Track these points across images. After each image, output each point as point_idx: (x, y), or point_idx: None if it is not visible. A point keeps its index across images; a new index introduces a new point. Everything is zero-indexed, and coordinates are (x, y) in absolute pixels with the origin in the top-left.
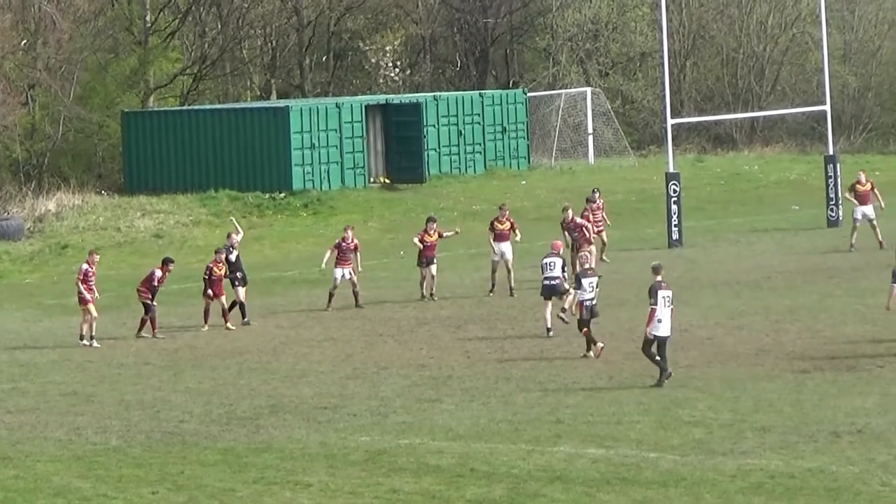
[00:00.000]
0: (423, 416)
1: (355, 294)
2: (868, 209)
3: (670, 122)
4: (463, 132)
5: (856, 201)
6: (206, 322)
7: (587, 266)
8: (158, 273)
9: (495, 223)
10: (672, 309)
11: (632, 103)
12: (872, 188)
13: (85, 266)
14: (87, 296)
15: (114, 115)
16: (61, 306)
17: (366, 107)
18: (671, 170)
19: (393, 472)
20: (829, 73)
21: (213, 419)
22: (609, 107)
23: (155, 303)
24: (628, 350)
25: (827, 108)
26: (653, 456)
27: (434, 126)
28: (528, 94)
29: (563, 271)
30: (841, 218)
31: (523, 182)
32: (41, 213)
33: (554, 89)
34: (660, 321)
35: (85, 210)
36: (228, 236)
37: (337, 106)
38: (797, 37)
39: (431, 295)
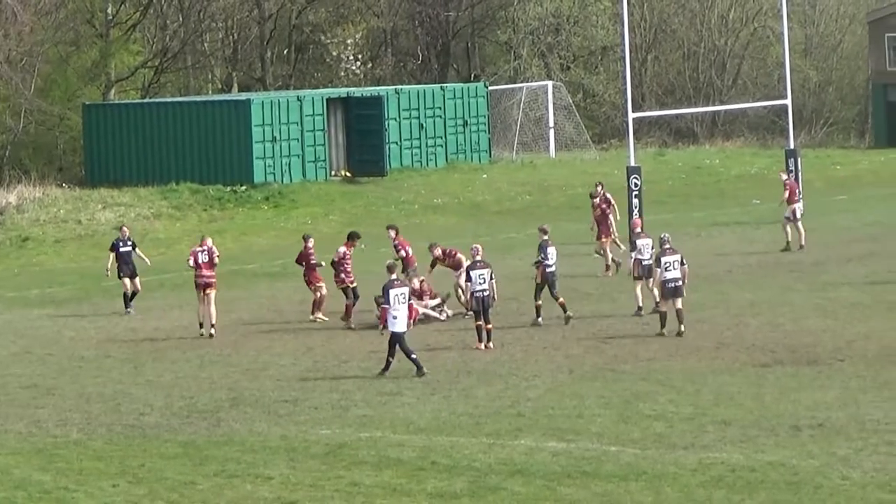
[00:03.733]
0: (384, 410)
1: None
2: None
3: (631, 115)
4: (424, 125)
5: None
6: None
7: (478, 258)
8: (343, 250)
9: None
10: (410, 305)
11: (593, 97)
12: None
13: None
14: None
15: (75, 107)
16: (22, 299)
17: (327, 100)
18: (632, 163)
19: (354, 465)
20: (790, 68)
21: (174, 412)
22: (570, 100)
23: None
24: (589, 344)
25: (788, 102)
26: (613, 450)
27: (395, 119)
28: (490, 88)
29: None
30: (802, 212)
31: (484, 176)
32: (2, 205)
33: (515, 83)
34: (395, 318)
35: (46, 203)
36: (121, 228)
37: (298, 99)
38: (758, 31)
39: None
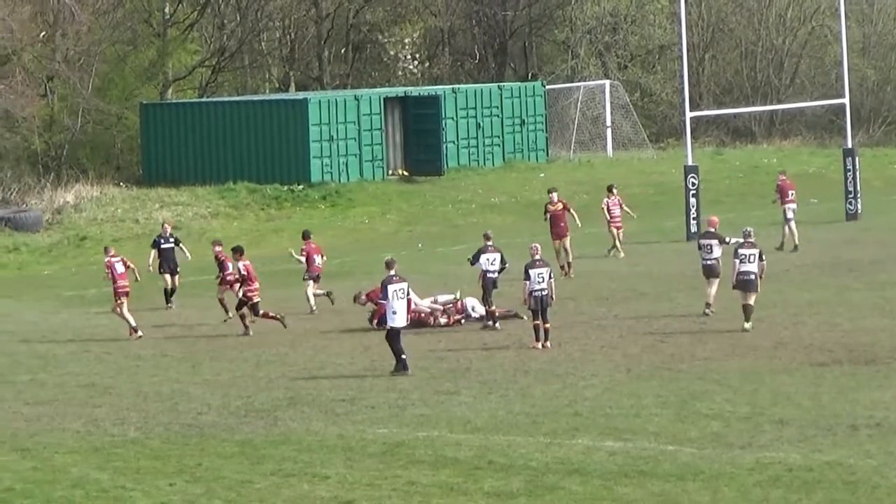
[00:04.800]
0: (441, 409)
1: None
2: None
3: (689, 114)
4: (481, 125)
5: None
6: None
7: (536, 257)
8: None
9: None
10: (409, 300)
11: (650, 96)
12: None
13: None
14: None
15: (132, 106)
16: (79, 298)
17: (384, 99)
18: (690, 163)
19: (411, 464)
20: (848, 67)
21: (231, 411)
22: (628, 99)
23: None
24: (646, 343)
25: (846, 101)
26: (671, 449)
27: (452, 118)
28: (547, 87)
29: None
30: (860, 211)
31: (542, 175)
32: (60, 204)
33: (572, 82)
34: (394, 313)
35: (103, 202)
36: (163, 225)
37: (355, 98)
38: (816, 30)
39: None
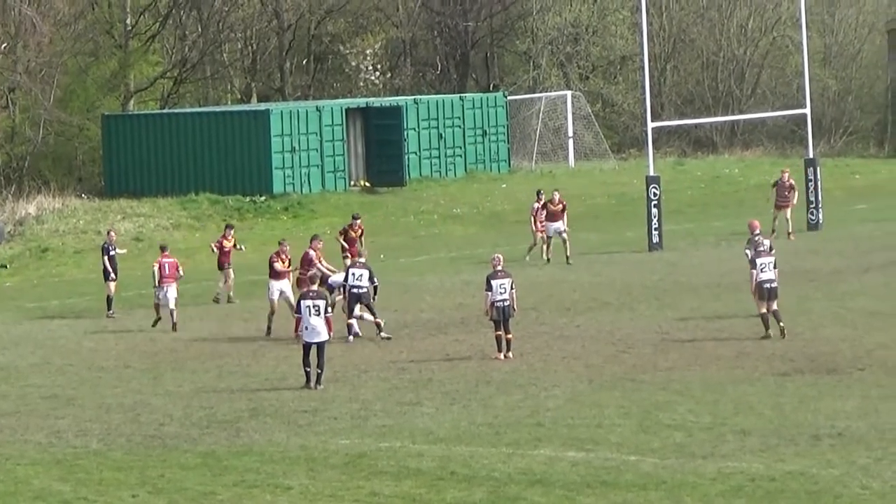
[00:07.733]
0: (404, 420)
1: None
2: (559, 225)
3: (651, 125)
4: (443, 135)
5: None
6: None
7: (499, 268)
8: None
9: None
10: (328, 318)
11: (612, 106)
12: (564, 209)
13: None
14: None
15: (94, 118)
16: (41, 309)
17: (346, 110)
18: (651, 173)
19: (373, 475)
20: (810, 77)
21: (194, 422)
22: (589, 110)
23: None
24: (609, 353)
25: (807, 111)
26: (633, 459)
27: (414, 129)
28: (509, 98)
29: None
30: (821, 221)
31: (503, 185)
32: (21, 216)
33: (534, 93)
34: (307, 328)
35: (65, 213)
36: (108, 233)
37: (317, 109)
38: (777, 40)
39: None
